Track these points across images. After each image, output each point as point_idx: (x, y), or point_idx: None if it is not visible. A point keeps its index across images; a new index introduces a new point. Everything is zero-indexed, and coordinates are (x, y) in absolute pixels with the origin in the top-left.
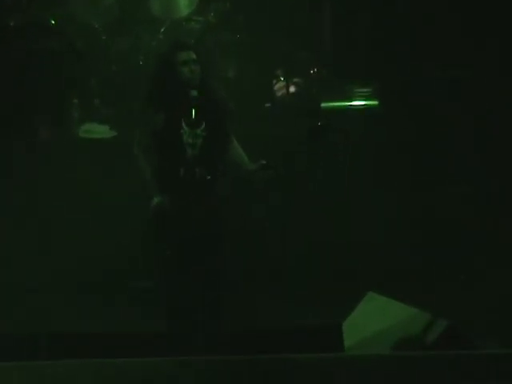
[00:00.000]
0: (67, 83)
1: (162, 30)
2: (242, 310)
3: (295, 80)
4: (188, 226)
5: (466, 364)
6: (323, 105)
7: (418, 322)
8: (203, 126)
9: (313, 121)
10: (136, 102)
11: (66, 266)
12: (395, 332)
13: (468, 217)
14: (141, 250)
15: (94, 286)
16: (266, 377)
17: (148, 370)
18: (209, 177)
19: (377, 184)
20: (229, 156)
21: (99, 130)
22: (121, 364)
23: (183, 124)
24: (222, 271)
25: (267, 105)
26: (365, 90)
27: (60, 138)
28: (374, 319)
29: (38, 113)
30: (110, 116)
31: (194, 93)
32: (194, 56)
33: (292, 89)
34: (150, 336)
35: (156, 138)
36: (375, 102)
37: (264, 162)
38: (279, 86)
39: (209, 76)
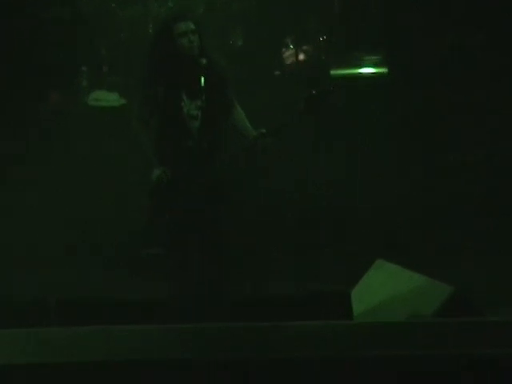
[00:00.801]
0: (75, 50)
1: None
2: (247, 278)
3: (303, 47)
4: (188, 198)
5: (473, 331)
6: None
7: (427, 289)
8: (204, 97)
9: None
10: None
11: (68, 229)
12: (404, 300)
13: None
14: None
15: (94, 252)
16: (272, 344)
17: (152, 337)
18: (209, 148)
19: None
20: (232, 126)
21: (109, 98)
22: (126, 331)
23: (183, 96)
24: (224, 240)
25: (276, 73)
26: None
27: (69, 106)
28: (383, 287)
29: (47, 81)
30: (119, 84)
31: (193, 64)
32: (193, 26)
33: (300, 56)
34: (153, 303)
35: (156, 110)
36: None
37: (263, 130)
38: (287, 54)
39: (209, 46)
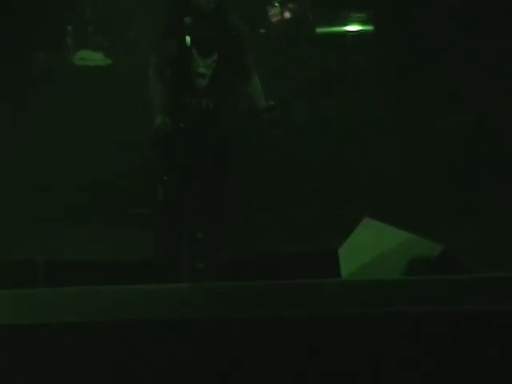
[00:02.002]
0: (61, 11)
1: None
2: (240, 238)
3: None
4: (191, 155)
5: (461, 288)
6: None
7: (414, 246)
8: (216, 57)
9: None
10: (132, 31)
11: (68, 190)
12: (391, 257)
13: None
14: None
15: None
16: (260, 303)
17: (147, 297)
18: (214, 109)
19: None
20: (243, 90)
21: (94, 58)
22: (120, 291)
23: (194, 52)
24: (224, 200)
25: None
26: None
27: (55, 65)
28: (370, 245)
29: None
30: (105, 44)
31: (207, 21)
32: None
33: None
34: (149, 262)
35: (169, 64)
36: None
37: (272, 102)
38: (274, 13)
39: (225, 4)
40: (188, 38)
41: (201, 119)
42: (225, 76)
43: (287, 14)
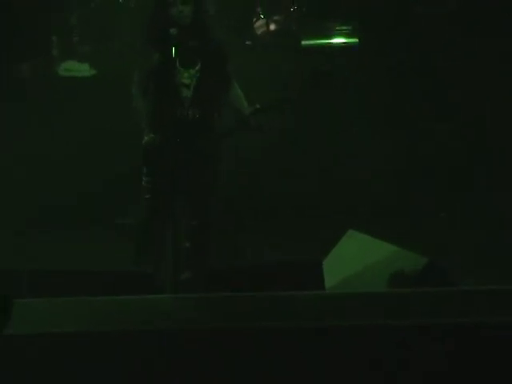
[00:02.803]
0: (47, 20)
1: None
2: (226, 248)
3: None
4: (177, 166)
5: (446, 300)
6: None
7: (399, 259)
8: (198, 66)
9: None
10: (117, 40)
11: (54, 200)
12: (375, 270)
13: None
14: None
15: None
16: (244, 314)
17: (134, 307)
18: (201, 118)
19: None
20: (226, 98)
21: (80, 68)
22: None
23: (177, 64)
24: (210, 211)
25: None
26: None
27: (40, 76)
28: (355, 257)
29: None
30: (90, 54)
31: (186, 34)
32: None
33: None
34: (137, 274)
35: (151, 78)
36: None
37: (258, 106)
38: (259, 24)
39: (204, 16)
40: (171, 50)
41: (188, 129)
42: (208, 85)
43: None
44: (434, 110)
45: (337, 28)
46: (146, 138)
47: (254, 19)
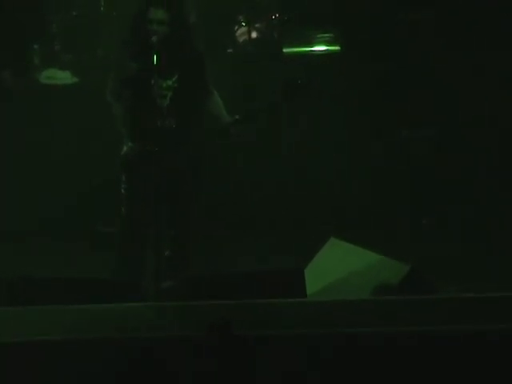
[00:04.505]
0: (28, 28)
1: None
2: (205, 256)
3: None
4: (156, 175)
5: (428, 308)
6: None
7: (381, 267)
8: (175, 77)
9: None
10: (99, 48)
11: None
12: (358, 278)
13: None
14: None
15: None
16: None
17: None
18: (178, 128)
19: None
20: (205, 108)
21: (61, 76)
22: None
23: (155, 74)
24: (189, 220)
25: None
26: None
27: (22, 84)
28: (337, 265)
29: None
30: (72, 62)
31: (164, 46)
32: (161, 16)
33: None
34: (117, 282)
35: (129, 88)
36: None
37: (237, 116)
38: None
39: (183, 25)
40: (148, 60)
41: (165, 138)
42: (186, 95)
43: None
44: (416, 118)
45: (318, 36)
46: (124, 146)
47: (236, 27)
